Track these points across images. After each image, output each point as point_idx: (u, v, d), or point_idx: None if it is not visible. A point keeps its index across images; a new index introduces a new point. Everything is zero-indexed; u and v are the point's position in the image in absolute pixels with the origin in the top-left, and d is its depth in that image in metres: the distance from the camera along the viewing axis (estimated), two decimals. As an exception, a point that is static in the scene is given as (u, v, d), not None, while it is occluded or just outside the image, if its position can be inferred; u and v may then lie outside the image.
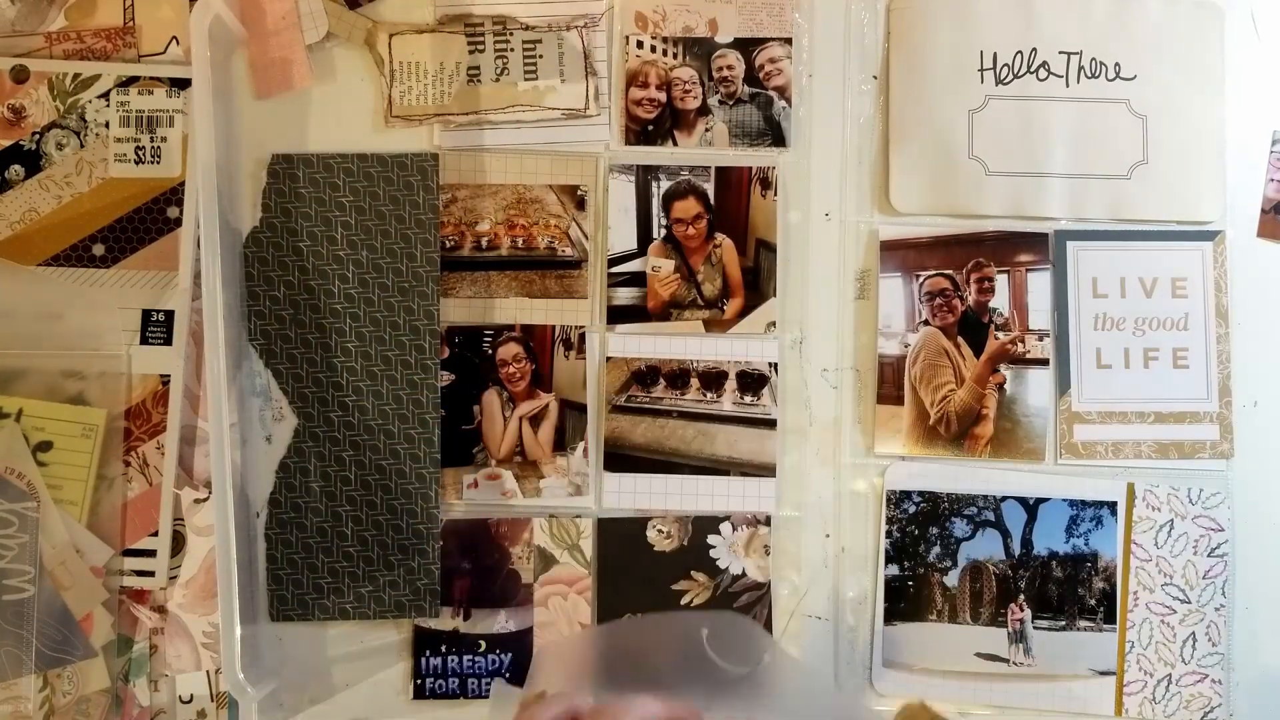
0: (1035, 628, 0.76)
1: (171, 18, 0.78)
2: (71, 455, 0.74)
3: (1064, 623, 0.77)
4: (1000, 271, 0.78)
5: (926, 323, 0.78)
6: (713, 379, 0.77)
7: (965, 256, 0.78)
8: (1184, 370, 0.78)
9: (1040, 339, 0.78)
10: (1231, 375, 0.78)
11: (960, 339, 0.78)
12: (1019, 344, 0.78)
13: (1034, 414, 0.77)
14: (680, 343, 0.77)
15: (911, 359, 0.78)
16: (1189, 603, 0.77)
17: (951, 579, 0.77)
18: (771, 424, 0.77)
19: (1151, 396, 0.78)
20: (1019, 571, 0.77)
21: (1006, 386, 0.77)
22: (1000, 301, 0.78)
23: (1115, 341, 0.78)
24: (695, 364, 0.77)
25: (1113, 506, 0.77)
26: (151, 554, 0.76)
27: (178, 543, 0.76)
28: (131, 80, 0.77)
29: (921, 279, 0.78)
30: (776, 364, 0.77)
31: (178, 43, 0.78)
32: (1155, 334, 0.78)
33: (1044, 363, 0.78)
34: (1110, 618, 0.76)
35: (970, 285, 0.78)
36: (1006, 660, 0.76)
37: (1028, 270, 0.78)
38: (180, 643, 0.76)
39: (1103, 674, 0.76)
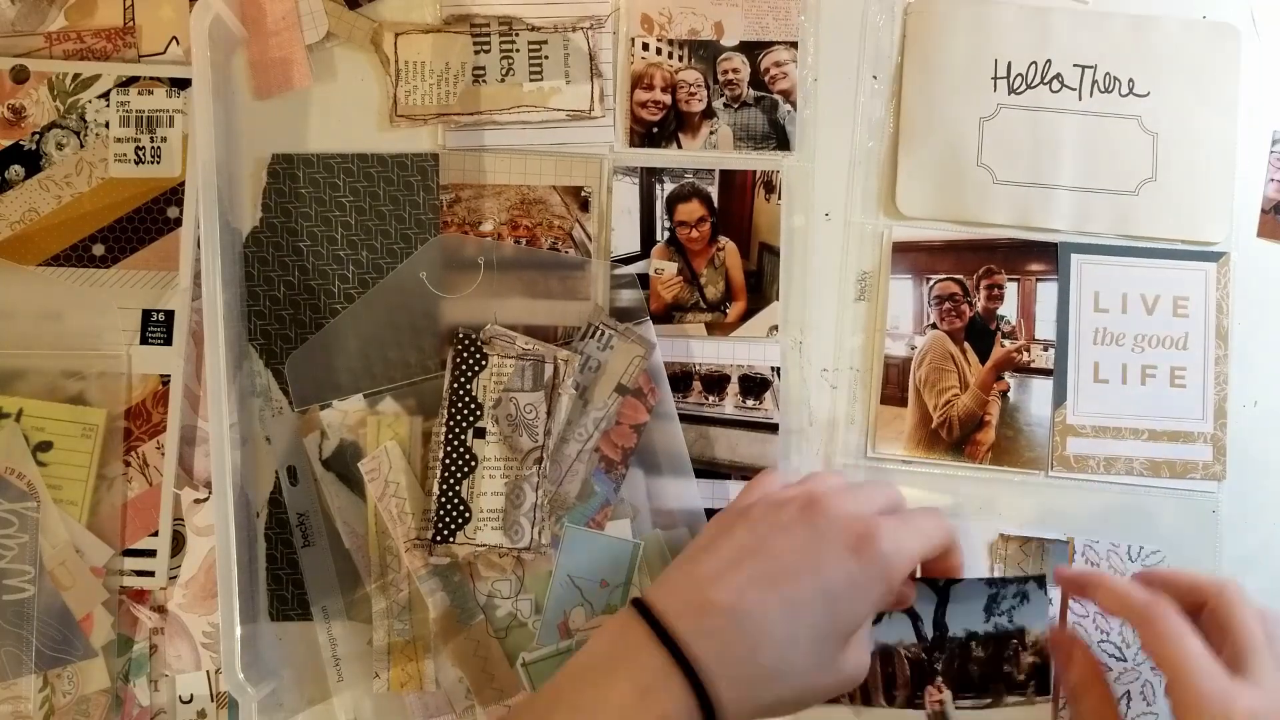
0: (958, 708, 0.73)
1: (171, 18, 0.77)
2: (71, 455, 0.74)
3: (989, 700, 0.73)
4: (1010, 279, 0.77)
5: (934, 326, 0.77)
6: (715, 383, 0.77)
7: (976, 263, 0.77)
8: (1181, 390, 0.77)
9: (1046, 349, 0.77)
10: (1228, 397, 0.77)
11: (967, 344, 0.77)
12: (1024, 352, 0.77)
13: (1036, 423, 0.77)
14: (682, 345, 0.77)
15: (917, 362, 0.77)
16: (1124, 660, 0.75)
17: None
18: (773, 428, 0.77)
19: (1147, 414, 0.77)
20: (934, 654, 0.73)
21: (1010, 394, 0.77)
22: (1008, 309, 0.77)
23: (1114, 357, 0.77)
24: (697, 367, 0.77)
25: (1040, 580, 0.73)
26: (151, 554, 0.76)
27: (178, 543, 0.76)
28: (131, 80, 0.76)
29: (932, 282, 0.77)
30: (779, 368, 0.77)
31: (178, 43, 0.77)
32: (1154, 351, 0.77)
33: (1049, 372, 0.77)
34: (1043, 689, 0.73)
35: (980, 291, 0.77)
36: None
37: (1038, 280, 0.77)
38: (180, 643, 0.76)
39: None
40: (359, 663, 0.75)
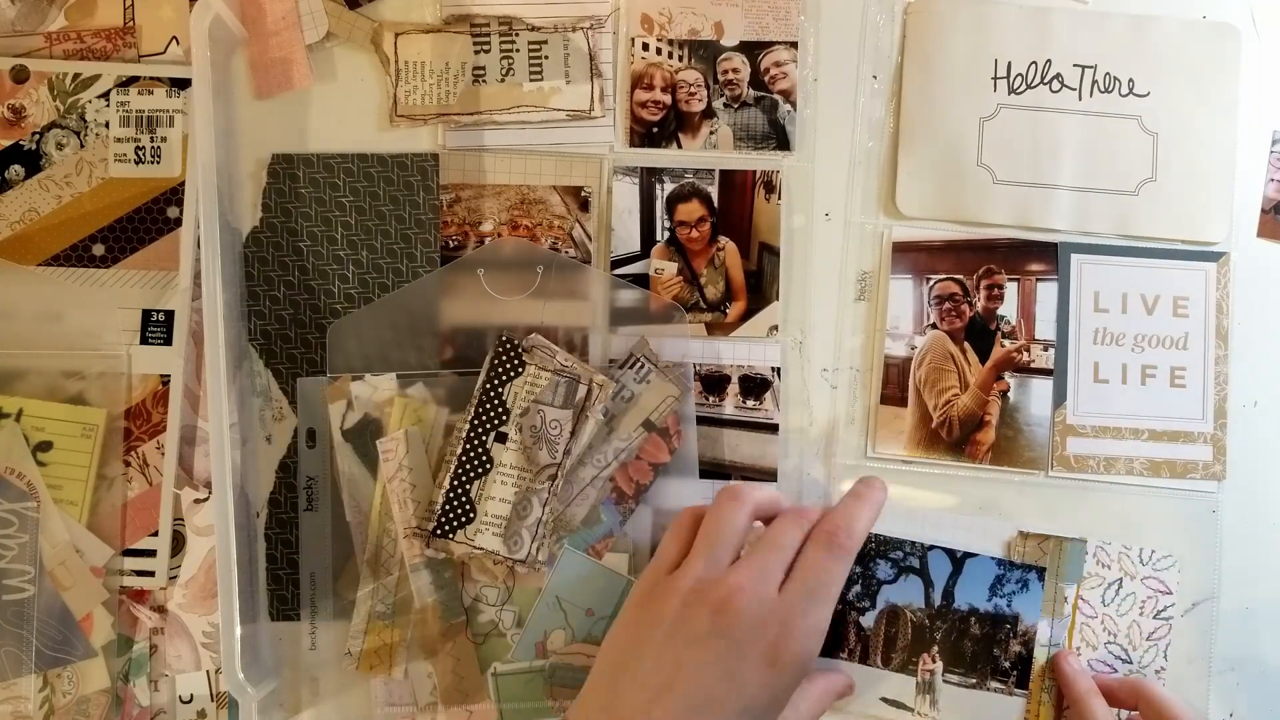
0: (945, 681, 0.75)
1: (171, 18, 0.77)
2: (71, 455, 0.74)
3: (975, 680, 0.75)
4: (1010, 279, 0.77)
5: (934, 326, 0.77)
6: (715, 383, 0.77)
7: (976, 263, 0.77)
8: (1181, 390, 0.77)
9: (1046, 349, 0.77)
10: (1228, 396, 0.77)
11: (967, 344, 0.77)
12: (1024, 353, 0.77)
13: (1035, 423, 0.77)
14: (682, 345, 0.77)
15: (917, 362, 0.77)
16: (1130, 663, 0.76)
17: (868, 620, 0.75)
18: (773, 428, 0.77)
19: (1147, 414, 0.77)
20: (936, 622, 0.75)
21: (1010, 394, 0.77)
22: (1008, 309, 0.77)
23: (1114, 357, 0.77)
24: (697, 367, 0.77)
25: (1040, 572, 0.76)
26: (151, 554, 0.76)
27: (178, 543, 0.76)
28: (131, 80, 0.76)
29: (932, 282, 0.77)
30: (779, 368, 0.77)
31: (178, 43, 0.77)
32: (1154, 352, 0.77)
33: (1049, 373, 0.77)
34: (1023, 683, 0.75)
35: (980, 291, 0.77)
36: (911, 710, 0.75)
37: (1038, 280, 0.77)
38: (180, 643, 0.76)
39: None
40: (334, 636, 0.75)
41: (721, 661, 0.60)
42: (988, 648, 0.75)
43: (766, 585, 0.62)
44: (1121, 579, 0.76)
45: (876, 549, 0.76)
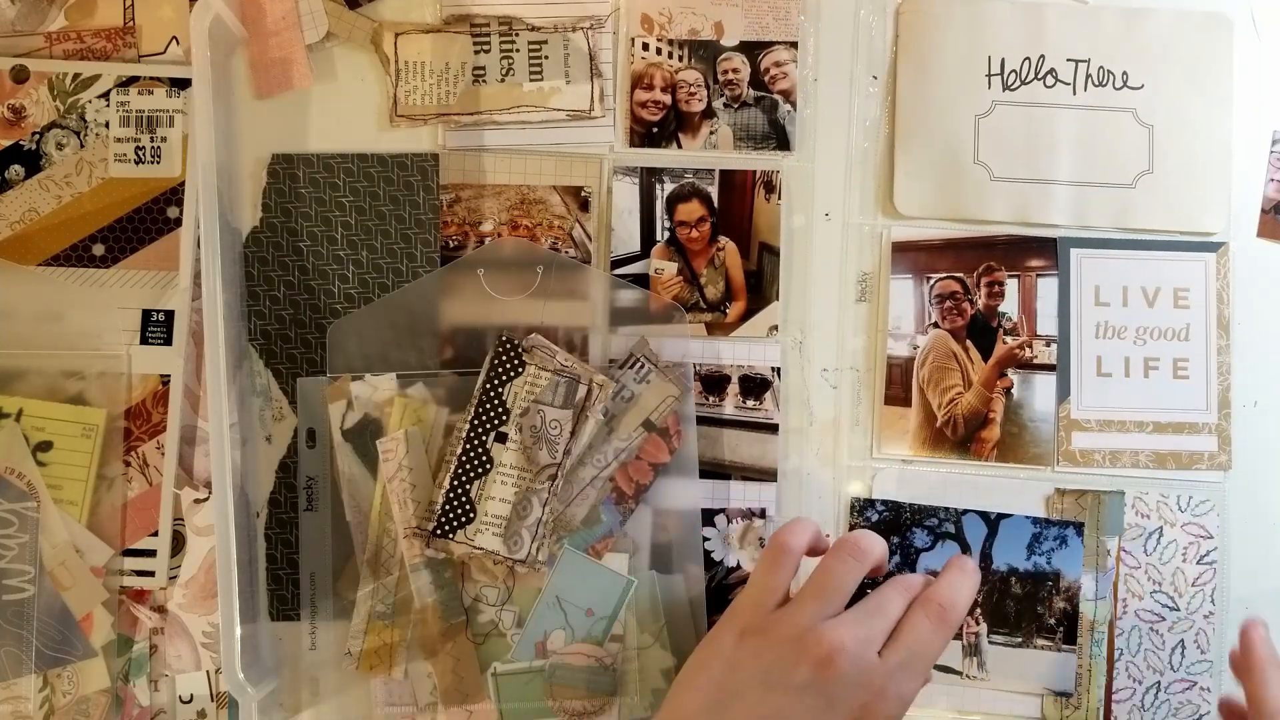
0: (991, 642, 0.76)
1: (171, 18, 0.77)
2: (71, 455, 0.74)
3: (1020, 639, 0.76)
4: (1010, 276, 0.77)
5: (936, 325, 0.77)
6: (714, 383, 0.76)
7: (976, 260, 0.77)
8: (1184, 381, 0.77)
9: (1048, 344, 0.77)
10: (1231, 387, 0.77)
11: (969, 342, 0.77)
12: (1026, 349, 0.77)
13: (1040, 419, 0.77)
14: (682, 345, 0.76)
15: (920, 361, 0.77)
16: (1178, 610, 0.76)
17: (909, 588, 0.76)
18: (773, 428, 0.77)
19: (1151, 406, 0.77)
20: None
21: (1014, 391, 0.77)
22: (1009, 306, 0.77)
23: (1116, 350, 0.77)
24: (698, 367, 0.76)
25: (1079, 527, 0.76)
26: (151, 554, 0.76)
27: (178, 543, 0.76)
28: (131, 80, 0.77)
29: (932, 281, 0.77)
30: (779, 368, 0.77)
31: (178, 43, 0.77)
32: (1156, 344, 0.77)
33: (1051, 368, 0.77)
34: (1070, 638, 0.76)
35: (980, 289, 0.77)
36: (960, 673, 0.76)
37: (1038, 275, 0.77)
38: (180, 643, 0.76)
39: (1060, 695, 0.76)
40: (334, 636, 0.75)
41: (813, 716, 0.61)
42: (1031, 606, 0.76)
43: (868, 649, 0.63)
44: (1161, 527, 0.76)
45: (912, 518, 0.76)
